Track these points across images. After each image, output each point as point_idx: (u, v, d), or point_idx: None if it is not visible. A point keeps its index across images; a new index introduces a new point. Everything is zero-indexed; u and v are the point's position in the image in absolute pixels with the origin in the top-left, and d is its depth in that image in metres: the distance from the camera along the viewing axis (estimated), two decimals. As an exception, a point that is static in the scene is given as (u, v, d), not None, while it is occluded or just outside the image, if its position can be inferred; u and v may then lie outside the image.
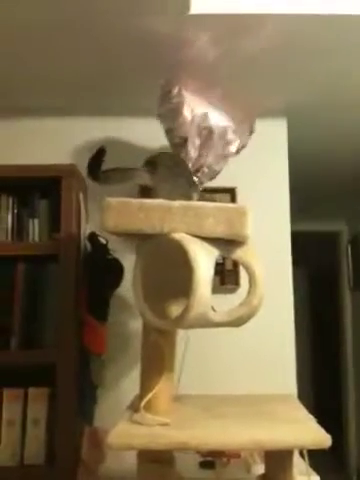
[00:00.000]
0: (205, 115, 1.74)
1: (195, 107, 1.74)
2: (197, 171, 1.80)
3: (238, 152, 1.88)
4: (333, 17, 1.53)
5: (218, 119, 1.77)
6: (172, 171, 1.43)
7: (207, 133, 1.76)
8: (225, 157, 1.84)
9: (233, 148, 1.84)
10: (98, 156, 1.52)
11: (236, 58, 1.78)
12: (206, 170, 1.81)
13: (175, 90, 1.76)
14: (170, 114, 1.78)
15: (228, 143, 1.82)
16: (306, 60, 1.79)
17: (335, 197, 3.74)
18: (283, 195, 2.21)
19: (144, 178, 1.43)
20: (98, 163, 1.50)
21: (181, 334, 1.50)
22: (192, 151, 1.76)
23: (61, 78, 1.92)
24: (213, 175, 1.86)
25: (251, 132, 1.91)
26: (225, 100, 1.82)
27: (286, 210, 2.21)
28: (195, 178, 1.72)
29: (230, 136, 1.81)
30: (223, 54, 1.75)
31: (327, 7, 1.52)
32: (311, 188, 3.38)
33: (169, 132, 1.81)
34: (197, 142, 1.76)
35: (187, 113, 1.73)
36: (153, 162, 1.44)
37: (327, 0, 1.52)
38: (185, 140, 1.75)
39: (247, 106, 1.89)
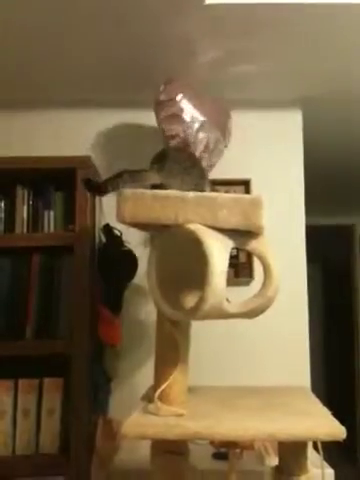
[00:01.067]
0: (205, 122, 1.84)
1: (198, 114, 1.83)
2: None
3: (212, 166, 1.95)
4: (349, 6, 1.51)
5: (213, 128, 1.87)
6: (181, 165, 1.40)
7: (207, 140, 1.85)
8: (214, 164, 1.94)
9: (220, 155, 1.94)
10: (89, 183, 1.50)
11: (251, 50, 1.77)
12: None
13: (179, 97, 1.82)
14: (172, 118, 1.83)
15: (219, 150, 1.92)
16: (322, 52, 1.78)
17: (350, 191, 3.71)
18: (298, 188, 2.19)
19: (153, 178, 1.38)
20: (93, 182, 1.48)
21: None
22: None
23: (76, 71, 1.93)
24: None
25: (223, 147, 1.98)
26: (213, 111, 1.91)
27: (301, 203, 2.19)
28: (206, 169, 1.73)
29: (220, 143, 1.90)
30: (238, 46, 1.74)
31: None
32: (326, 181, 3.36)
33: (169, 135, 1.84)
34: (202, 147, 1.84)
35: (189, 119, 1.81)
36: (161, 158, 1.41)
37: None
38: (186, 143, 1.81)
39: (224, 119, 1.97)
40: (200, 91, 1.89)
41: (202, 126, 1.83)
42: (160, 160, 1.39)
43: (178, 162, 1.40)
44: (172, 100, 1.82)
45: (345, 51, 1.77)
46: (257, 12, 1.55)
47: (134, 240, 1.88)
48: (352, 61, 1.84)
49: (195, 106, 1.83)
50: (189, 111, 1.82)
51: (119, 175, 1.35)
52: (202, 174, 1.48)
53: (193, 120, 1.82)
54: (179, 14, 1.56)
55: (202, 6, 1.51)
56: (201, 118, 1.84)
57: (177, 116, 1.81)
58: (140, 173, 1.37)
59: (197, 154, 1.80)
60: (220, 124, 1.94)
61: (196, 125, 1.82)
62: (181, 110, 1.81)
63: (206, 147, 1.85)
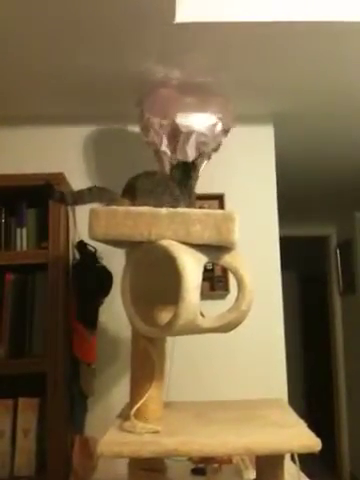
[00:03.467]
0: (174, 123, 1.81)
1: (163, 117, 1.83)
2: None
3: (216, 149, 1.93)
4: (319, 25, 1.55)
5: (190, 123, 1.83)
6: (153, 193, 1.39)
7: (178, 138, 1.82)
8: (202, 156, 1.87)
9: (208, 147, 1.88)
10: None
11: (222, 66, 1.80)
12: None
13: (144, 106, 1.87)
14: (144, 130, 1.88)
15: (203, 143, 1.85)
16: (293, 68, 1.82)
17: (323, 202, 3.77)
18: (271, 200, 2.22)
19: (124, 203, 1.36)
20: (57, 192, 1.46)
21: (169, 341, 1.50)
22: (165, 159, 1.83)
23: (49, 87, 1.92)
24: None
25: (226, 131, 1.94)
26: (197, 104, 1.88)
27: (274, 215, 2.22)
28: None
29: (204, 136, 1.84)
30: (209, 62, 1.77)
31: (313, 14, 1.54)
32: (299, 193, 3.41)
33: (149, 145, 1.88)
34: (168, 150, 1.84)
35: (156, 125, 1.83)
36: (130, 191, 1.39)
37: (313, 7, 1.54)
38: (157, 150, 1.84)
39: (218, 104, 1.91)
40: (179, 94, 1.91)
41: (173, 129, 1.84)
42: (130, 192, 1.38)
43: (149, 190, 1.39)
44: (142, 113, 1.89)
45: (316, 67, 1.81)
46: (228, 30, 1.58)
47: (109, 256, 1.88)
48: (322, 77, 1.88)
49: (166, 112, 1.86)
50: (158, 119, 1.85)
51: (89, 189, 1.36)
52: (174, 195, 1.47)
53: (161, 126, 1.85)
54: (150, 31, 1.58)
55: (172, 24, 1.53)
56: (171, 121, 1.84)
57: (146, 126, 1.87)
58: (111, 194, 1.37)
59: (167, 160, 1.83)
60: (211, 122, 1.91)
61: (165, 129, 1.85)
62: (149, 120, 1.86)
63: (175, 150, 1.86)
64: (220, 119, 1.89)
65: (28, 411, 1.69)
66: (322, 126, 2.37)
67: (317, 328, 5.24)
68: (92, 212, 1.26)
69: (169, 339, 1.40)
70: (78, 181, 1.98)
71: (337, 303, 4.47)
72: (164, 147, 1.83)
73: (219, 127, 1.88)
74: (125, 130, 2.20)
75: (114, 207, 1.27)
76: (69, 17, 1.49)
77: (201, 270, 1.24)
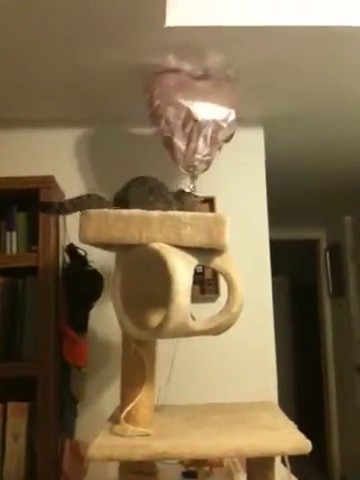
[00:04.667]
0: (188, 110, 1.74)
1: (177, 104, 1.75)
2: (189, 166, 1.83)
3: (227, 140, 1.89)
4: (312, 29, 1.56)
5: (203, 111, 1.76)
6: (145, 203, 1.37)
7: (192, 127, 1.76)
8: (215, 146, 1.84)
9: (221, 136, 1.83)
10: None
11: (213, 69, 1.80)
12: (197, 163, 1.82)
13: (155, 93, 1.77)
14: (154, 116, 1.80)
15: (215, 133, 1.81)
16: (283, 71, 1.82)
17: (313, 205, 3.79)
18: (261, 204, 2.23)
19: None
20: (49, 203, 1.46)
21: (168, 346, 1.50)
22: (180, 147, 1.78)
23: (41, 89, 1.92)
24: (206, 166, 1.87)
25: (238, 118, 1.87)
26: (210, 91, 1.82)
27: (264, 218, 2.23)
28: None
29: (217, 126, 1.79)
30: (199, 66, 1.77)
31: (302, 19, 1.55)
32: (289, 196, 3.42)
33: (158, 134, 1.83)
34: (183, 138, 1.78)
35: (168, 112, 1.75)
36: (122, 201, 1.38)
37: (302, 11, 1.55)
38: (171, 138, 1.77)
39: (231, 93, 1.86)
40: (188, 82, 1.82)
41: (186, 117, 1.77)
42: (122, 203, 1.37)
43: (141, 200, 1.38)
44: (151, 99, 1.81)
45: (307, 71, 1.82)
46: (218, 33, 1.58)
47: (99, 260, 1.87)
48: (313, 81, 1.89)
49: (177, 99, 1.77)
50: (169, 106, 1.76)
51: (88, 195, 1.35)
52: (167, 200, 1.47)
53: (174, 114, 1.77)
54: (140, 35, 1.58)
55: (163, 28, 1.54)
56: (183, 108, 1.76)
57: (156, 114, 1.79)
58: (108, 204, 1.36)
59: (181, 149, 1.78)
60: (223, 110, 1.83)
61: (179, 117, 1.77)
62: (160, 107, 1.78)
63: (190, 139, 1.79)
64: (234, 107, 1.83)
65: (18, 415, 1.68)
66: (312, 129, 2.39)
67: (307, 331, 5.25)
68: (83, 215, 1.26)
69: (171, 344, 1.40)
70: (69, 184, 1.99)
71: (327, 306, 4.50)
72: (176, 138, 1.78)
73: (233, 116, 1.83)
74: (117, 132, 2.19)
75: (105, 210, 1.27)
76: (66, 17, 1.49)
77: (192, 273, 1.24)
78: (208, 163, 1.87)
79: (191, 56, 1.71)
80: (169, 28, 1.54)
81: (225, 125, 1.81)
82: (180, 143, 1.78)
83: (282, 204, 2.98)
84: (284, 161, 2.76)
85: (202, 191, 1.83)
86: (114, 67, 1.76)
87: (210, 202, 2.13)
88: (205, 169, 1.88)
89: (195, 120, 1.75)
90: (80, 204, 1.33)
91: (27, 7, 1.42)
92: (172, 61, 1.73)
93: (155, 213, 1.27)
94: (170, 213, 1.32)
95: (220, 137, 1.83)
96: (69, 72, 1.80)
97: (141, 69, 1.76)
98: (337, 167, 2.94)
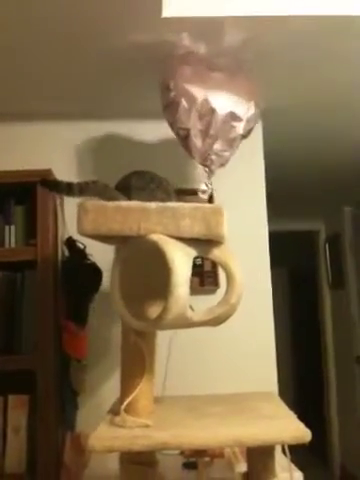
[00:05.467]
0: (205, 102, 1.67)
1: (194, 95, 1.68)
2: (205, 160, 1.77)
3: (246, 135, 1.82)
4: (309, 19, 1.55)
5: (221, 103, 1.69)
6: (146, 190, 1.39)
7: (210, 119, 1.69)
8: (233, 141, 1.77)
9: (240, 130, 1.75)
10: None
11: (210, 62, 1.79)
12: (214, 157, 1.77)
13: (171, 83, 1.71)
14: (170, 108, 1.74)
15: (233, 126, 1.73)
16: (281, 64, 1.82)
17: (312, 197, 3.79)
18: (260, 195, 2.23)
19: (120, 199, 1.36)
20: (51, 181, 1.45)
21: (164, 336, 1.50)
22: (197, 141, 1.73)
23: (37, 83, 1.91)
24: (223, 161, 1.81)
25: (258, 112, 1.81)
26: (227, 82, 1.73)
27: (263, 210, 2.23)
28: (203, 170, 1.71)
29: (235, 118, 1.72)
30: (195, 57, 1.76)
31: (300, 9, 1.53)
32: (288, 188, 3.42)
33: (173, 126, 1.77)
34: (200, 130, 1.71)
35: (185, 103, 1.68)
36: (125, 189, 1.39)
37: (303, 2, 1.54)
38: (188, 131, 1.72)
39: (250, 85, 1.78)
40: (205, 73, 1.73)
41: (203, 109, 1.68)
42: (123, 191, 1.37)
43: (142, 188, 1.39)
44: (168, 88, 1.73)
45: (305, 63, 1.81)
46: (215, 24, 1.57)
47: (98, 252, 1.87)
48: (311, 73, 1.89)
49: (194, 90, 1.68)
50: (186, 96, 1.68)
51: (94, 182, 1.35)
52: (167, 191, 1.48)
53: (191, 105, 1.68)
54: (136, 26, 1.57)
55: (159, 19, 1.53)
56: (201, 100, 1.68)
57: (173, 103, 1.71)
58: (113, 192, 1.35)
59: (198, 142, 1.72)
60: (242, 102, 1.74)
61: (196, 109, 1.68)
62: (177, 96, 1.70)
63: (207, 131, 1.72)
64: (252, 100, 1.75)
65: (18, 408, 1.69)
66: (311, 121, 2.38)
67: (307, 322, 5.27)
68: (81, 207, 1.26)
69: (166, 336, 1.40)
70: (66, 178, 1.98)
71: (327, 297, 4.50)
72: (193, 131, 1.70)
73: (252, 110, 1.75)
74: (115, 127, 2.19)
75: (103, 202, 1.27)
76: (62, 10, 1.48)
77: (190, 264, 1.24)
78: (226, 159, 1.80)
79: (189, 45, 1.69)
80: (166, 19, 1.53)
81: (244, 118, 1.73)
82: (196, 136, 1.72)
83: (281, 196, 2.97)
84: (283, 153, 2.76)
85: (199, 182, 1.83)
86: (114, 59, 1.75)
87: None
88: (222, 165, 1.81)
89: (213, 111, 1.67)
90: (87, 189, 1.33)
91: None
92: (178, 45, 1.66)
93: (153, 205, 1.27)
94: (169, 204, 1.32)
95: (239, 131, 1.75)
96: (67, 64, 1.79)
97: (148, 60, 1.74)
98: (336, 158, 2.94)
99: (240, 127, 1.74)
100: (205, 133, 1.71)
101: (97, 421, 1.28)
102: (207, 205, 1.39)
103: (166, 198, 1.39)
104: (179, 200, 1.48)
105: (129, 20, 1.53)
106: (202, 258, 1.98)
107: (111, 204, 1.27)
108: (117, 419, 1.23)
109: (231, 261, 1.30)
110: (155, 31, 1.59)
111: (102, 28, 1.57)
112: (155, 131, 2.14)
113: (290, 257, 5.10)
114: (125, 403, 1.24)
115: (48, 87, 1.95)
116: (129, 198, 1.33)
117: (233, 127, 1.73)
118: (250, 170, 2.23)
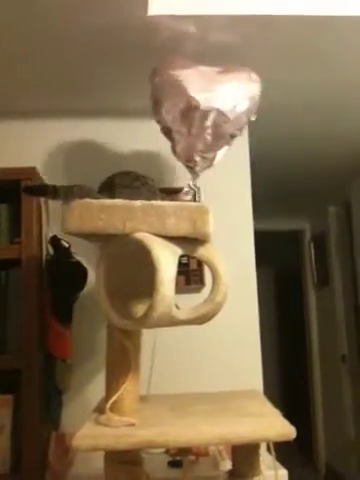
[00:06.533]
0: (189, 97, 1.59)
1: (176, 90, 1.61)
2: (188, 161, 1.72)
3: (234, 135, 1.73)
4: (300, 18, 1.55)
5: (205, 98, 1.60)
6: (130, 188, 1.39)
7: (192, 118, 1.61)
8: (218, 141, 1.69)
9: (227, 130, 1.67)
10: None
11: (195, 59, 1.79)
12: (198, 158, 1.71)
13: (155, 80, 1.66)
14: (154, 106, 1.69)
15: (219, 126, 1.64)
16: (265, 62, 1.82)
17: (297, 196, 3.81)
18: (245, 194, 2.24)
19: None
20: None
21: (149, 335, 1.50)
22: (179, 140, 1.67)
23: (22, 80, 1.89)
24: (209, 163, 1.74)
25: (252, 112, 1.72)
26: (214, 80, 1.64)
27: (248, 209, 2.24)
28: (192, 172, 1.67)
29: (222, 116, 1.63)
30: (180, 56, 1.76)
31: (294, 8, 1.54)
32: (273, 187, 3.44)
33: (158, 124, 1.72)
34: (183, 130, 1.65)
35: (167, 103, 1.63)
36: (109, 187, 1.37)
37: (287, 1, 1.54)
38: (169, 130, 1.67)
39: (238, 83, 1.68)
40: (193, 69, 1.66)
41: (188, 108, 1.61)
42: (109, 189, 1.37)
43: (127, 186, 1.38)
44: (153, 85, 1.69)
45: (292, 61, 1.82)
46: (202, 22, 1.57)
47: (83, 251, 1.86)
48: (298, 72, 1.90)
49: (180, 88, 1.61)
50: (170, 95, 1.63)
51: (77, 186, 1.33)
52: (152, 189, 1.47)
53: (175, 104, 1.63)
54: (122, 25, 1.57)
55: (144, 18, 1.52)
56: (185, 99, 1.60)
57: (156, 102, 1.68)
58: (92, 192, 1.34)
59: (180, 141, 1.66)
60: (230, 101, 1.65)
61: (179, 108, 1.62)
62: (160, 95, 1.66)
63: (189, 132, 1.65)
64: (243, 97, 1.66)
65: (2, 408, 1.68)
66: (296, 121, 2.39)
67: (292, 321, 5.30)
68: (65, 206, 1.25)
69: (150, 334, 1.40)
70: (51, 177, 1.97)
71: (312, 295, 4.54)
72: (175, 129, 1.64)
73: (244, 106, 1.65)
74: (101, 125, 2.18)
75: (88, 200, 1.26)
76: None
77: (176, 263, 1.24)
78: (211, 160, 1.73)
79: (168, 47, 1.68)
80: (151, 17, 1.53)
81: (232, 116, 1.63)
82: (179, 134, 1.66)
83: (266, 195, 2.99)
84: (268, 152, 2.77)
85: (188, 182, 1.82)
86: (100, 56, 1.74)
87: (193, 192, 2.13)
88: (208, 166, 1.75)
89: (196, 107, 1.58)
90: (71, 194, 1.32)
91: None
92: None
93: (138, 203, 1.27)
94: (154, 203, 1.31)
95: (226, 130, 1.66)
96: (52, 61, 1.77)
97: (136, 57, 1.73)
98: (321, 158, 2.96)
99: (227, 126, 1.66)
100: (188, 132, 1.65)
101: (82, 420, 1.28)
102: (193, 204, 1.39)
103: (151, 196, 1.38)
104: (164, 199, 1.48)
105: (115, 18, 1.53)
106: (188, 257, 1.98)
107: (96, 202, 1.26)
108: (102, 418, 1.22)
109: (216, 260, 1.30)
110: (141, 29, 1.58)
111: (88, 24, 1.57)
112: (144, 130, 2.13)
113: (275, 256, 5.13)
114: (110, 402, 1.23)
115: (33, 84, 1.93)
116: (113, 197, 1.32)
117: (220, 126, 1.65)
118: (236, 169, 2.24)
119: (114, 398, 1.24)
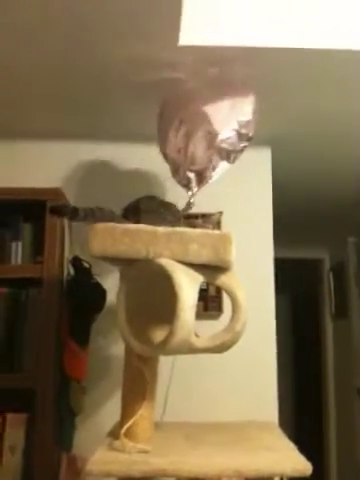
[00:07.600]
0: (181, 116, 1.64)
1: (171, 114, 1.66)
2: (182, 180, 1.72)
3: (230, 157, 1.72)
4: (316, 51, 1.58)
5: (195, 117, 1.62)
6: (156, 213, 1.40)
7: (183, 133, 1.63)
8: (212, 156, 1.67)
9: (220, 144, 1.66)
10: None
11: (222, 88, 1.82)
12: (190, 175, 1.70)
13: (160, 111, 1.71)
14: (158, 133, 1.74)
15: (212, 140, 1.63)
16: (290, 91, 1.84)
17: (318, 225, 3.80)
18: (267, 222, 2.24)
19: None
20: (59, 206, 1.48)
21: (166, 361, 1.50)
22: (173, 158, 1.69)
23: (48, 102, 1.93)
24: (202, 180, 1.73)
25: (247, 136, 1.73)
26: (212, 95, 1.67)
27: (269, 237, 2.23)
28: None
29: (212, 134, 1.63)
30: (209, 84, 1.79)
31: (310, 42, 1.57)
32: (294, 216, 3.43)
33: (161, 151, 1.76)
34: (176, 148, 1.66)
35: (165, 126, 1.67)
36: (134, 211, 1.41)
37: (310, 34, 1.57)
38: (165, 154, 1.72)
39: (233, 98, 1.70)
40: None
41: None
42: (134, 213, 1.39)
43: (152, 211, 1.40)
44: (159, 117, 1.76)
45: (313, 90, 1.83)
46: (228, 53, 1.60)
47: (103, 272, 1.87)
48: (321, 102, 1.91)
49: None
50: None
51: (99, 208, 1.35)
52: (176, 215, 1.48)
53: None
54: (153, 54, 1.60)
55: (176, 47, 1.55)
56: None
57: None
58: (118, 218, 1.36)
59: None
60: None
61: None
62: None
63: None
64: (240, 121, 1.67)
65: (16, 427, 1.67)
66: (319, 150, 2.39)
67: (308, 351, 5.22)
68: (91, 229, 1.26)
69: (168, 360, 1.39)
70: (76, 198, 2.00)
71: (329, 327, 4.47)
72: (169, 149, 1.67)
73: (232, 131, 1.66)
74: (127, 149, 2.21)
75: (112, 224, 1.28)
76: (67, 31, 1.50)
77: (197, 289, 1.24)
78: (203, 175, 1.71)
79: (199, 73, 1.71)
80: (182, 47, 1.56)
81: (221, 132, 1.64)
82: (173, 152, 1.67)
83: (287, 223, 2.98)
84: (290, 181, 2.77)
85: (210, 208, 1.82)
86: (124, 83, 1.78)
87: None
88: (201, 182, 1.73)
89: (181, 121, 1.61)
90: (92, 216, 1.33)
91: (26, 25, 1.44)
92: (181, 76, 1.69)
93: (161, 228, 1.28)
94: (177, 229, 1.32)
95: (217, 144, 1.65)
96: (78, 86, 1.81)
97: (154, 85, 1.77)
98: (343, 188, 2.95)
99: (221, 142, 1.65)
100: (179, 150, 1.65)
101: (94, 443, 1.27)
102: (216, 232, 1.40)
103: (175, 222, 1.40)
104: (186, 225, 1.49)
105: (146, 45, 1.56)
106: (207, 283, 1.97)
107: (120, 226, 1.28)
108: (116, 443, 1.22)
109: (237, 289, 1.30)
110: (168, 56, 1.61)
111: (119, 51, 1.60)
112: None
113: (294, 285, 5.08)
114: (125, 427, 1.23)
115: (54, 107, 1.97)
116: (139, 221, 1.34)
117: (211, 141, 1.63)
118: (258, 197, 2.25)
119: (129, 424, 1.23)
